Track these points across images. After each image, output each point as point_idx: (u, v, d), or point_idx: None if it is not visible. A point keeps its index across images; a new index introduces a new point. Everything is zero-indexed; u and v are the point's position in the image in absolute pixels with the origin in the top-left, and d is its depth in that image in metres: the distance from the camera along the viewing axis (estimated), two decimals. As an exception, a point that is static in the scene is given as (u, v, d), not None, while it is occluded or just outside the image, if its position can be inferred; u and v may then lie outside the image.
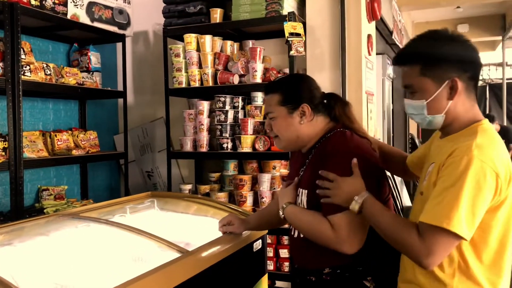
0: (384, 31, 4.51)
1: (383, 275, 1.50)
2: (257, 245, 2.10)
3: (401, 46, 5.48)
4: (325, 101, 1.66)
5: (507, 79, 7.83)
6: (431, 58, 1.30)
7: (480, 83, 8.41)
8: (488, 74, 8.57)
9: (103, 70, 3.45)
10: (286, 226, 2.95)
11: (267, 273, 2.20)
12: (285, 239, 3.05)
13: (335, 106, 1.65)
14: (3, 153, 2.45)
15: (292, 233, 1.68)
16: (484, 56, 8.61)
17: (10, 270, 1.48)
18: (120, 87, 3.53)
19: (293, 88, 1.64)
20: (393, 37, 4.84)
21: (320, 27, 2.96)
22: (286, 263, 3.00)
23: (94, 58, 3.36)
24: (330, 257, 1.50)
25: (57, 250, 1.77)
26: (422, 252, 1.19)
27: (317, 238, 1.49)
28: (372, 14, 3.12)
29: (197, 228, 2.20)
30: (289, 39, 2.79)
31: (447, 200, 1.17)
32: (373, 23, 3.31)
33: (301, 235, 1.60)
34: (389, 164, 1.71)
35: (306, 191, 1.56)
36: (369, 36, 3.13)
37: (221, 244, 1.81)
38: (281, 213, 1.61)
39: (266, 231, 2.19)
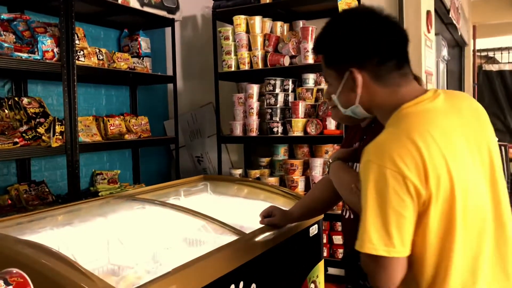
0: (440, 9, 4.25)
1: None
2: (313, 230, 2.02)
3: (458, 26, 5.19)
4: None
5: None
6: (329, 48, 1.18)
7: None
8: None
9: (153, 55, 3.46)
10: (338, 211, 2.88)
11: (323, 259, 2.13)
12: (339, 225, 2.96)
13: None
14: (60, 137, 2.50)
15: (344, 214, 1.59)
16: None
17: (70, 248, 1.49)
18: (169, 72, 3.54)
19: None
20: (450, 15, 4.57)
21: (376, 4, 2.81)
22: (340, 250, 2.92)
23: (144, 43, 3.37)
24: None
25: (114, 230, 1.77)
26: (371, 280, 1.08)
27: (349, 199, 1.39)
28: (432, -12, 2.93)
29: (251, 211, 2.15)
30: (343, 17, 2.67)
31: (362, 220, 1.02)
32: (432, -1, 3.12)
33: (352, 216, 1.52)
34: None
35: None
36: (428, 12, 2.94)
37: (277, 228, 1.75)
38: (327, 169, 1.51)
39: (322, 215, 2.10)
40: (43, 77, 2.80)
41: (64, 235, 1.62)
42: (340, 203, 2.81)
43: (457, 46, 6.51)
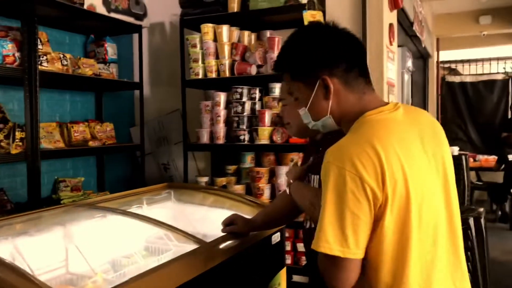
0: (404, 22, 4.40)
1: None
2: (276, 238, 2.05)
3: (421, 38, 5.36)
4: None
5: (530, 73, 7.62)
6: (296, 61, 1.22)
7: (502, 76, 8.22)
8: (511, 67, 8.33)
9: (120, 61, 3.42)
10: (301, 219, 2.91)
11: (285, 267, 2.15)
12: (303, 233, 3.00)
13: None
14: (20, 143, 2.44)
15: (305, 224, 1.63)
16: (507, 49, 8.37)
17: (26, 259, 1.46)
18: (136, 79, 3.51)
19: None
20: (413, 28, 4.73)
21: (340, 16, 2.88)
22: (304, 257, 2.94)
23: (110, 49, 3.33)
24: None
25: (73, 239, 1.74)
26: (325, 279, 1.10)
27: (311, 216, 1.45)
28: (394, 2, 3.03)
29: (214, 220, 2.16)
30: (308, 28, 2.73)
31: (320, 219, 1.06)
32: (395, 12, 3.22)
33: (312, 225, 1.56)
34: None
35: (318, 176, 1.51)
36: (390, 25, 3.04)
37: (239, 236, 1.77)
38: (287, 190, 1.56)
39: (285, 223, 2.13)
40: (4, 82, 2.73)
41: (21, 244, 1.58)
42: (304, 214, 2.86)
43: (421, 57, 6.73)
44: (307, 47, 1.20)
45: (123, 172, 3.76)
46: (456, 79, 8.44)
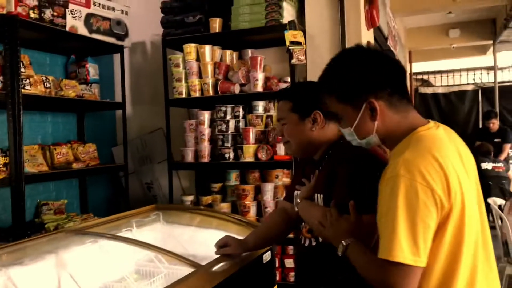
0: (379, 38, 4.54)
1: None
2: (267, 256, 2.07)
3: (395, 52, 5.52)
4: None
5: (498, 82, 7.90)
6: (343, 85, 1.27)
7: (472, 87, 8.52)
8: (480, 78, 8.64)
9: (101, 81, 3.42)
10: (291, 235, 2.93)
11: (276, 285, 2.18)
12: (290, 249, 3.03)
13: None
14: (4, 169, 2.41)
15: (303, 242, 1.65)
16: (476, 61, 8.70)
17: (20, 290, 1.45)
18: (118, 98, 3.50)
19: (306, 95, 1.64)
20: (388, 43, 4.87)
21: (319, 35, 2.97)
22: (292, 273, 2.97)
23: (92, 69, 3.33)
24: (343, 269, 1.47)
25: (65, 266, 1.73)
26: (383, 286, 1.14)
27: (319, 233, 1.47)
28: (371, 21, 3.13)
29: (204, 241, 2.17)
30: (290, 47, 2.79)
31: (385, 229, 1.12)
32: (371, 30, 3.32)
33: (313, 244, 1.58)
34: None
35: (322, 195, 1.55)
36: (368, 43, 3.13)
37: (232, 257, 1.78)
38: (296, 208, 1.60)
39: (275, 242, 2.16)
40: (-15, 106, 2.69)
41: (13, 274, 1.57)
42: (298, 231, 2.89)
43: (396, 70, 6.91)
44: (355, 71, 1.25)
45: (106, 193, 3.73)
46: (429, 90, 8.70)
